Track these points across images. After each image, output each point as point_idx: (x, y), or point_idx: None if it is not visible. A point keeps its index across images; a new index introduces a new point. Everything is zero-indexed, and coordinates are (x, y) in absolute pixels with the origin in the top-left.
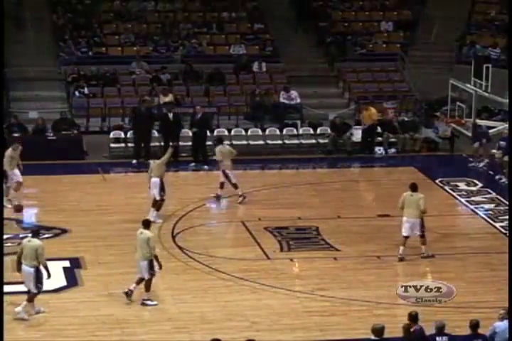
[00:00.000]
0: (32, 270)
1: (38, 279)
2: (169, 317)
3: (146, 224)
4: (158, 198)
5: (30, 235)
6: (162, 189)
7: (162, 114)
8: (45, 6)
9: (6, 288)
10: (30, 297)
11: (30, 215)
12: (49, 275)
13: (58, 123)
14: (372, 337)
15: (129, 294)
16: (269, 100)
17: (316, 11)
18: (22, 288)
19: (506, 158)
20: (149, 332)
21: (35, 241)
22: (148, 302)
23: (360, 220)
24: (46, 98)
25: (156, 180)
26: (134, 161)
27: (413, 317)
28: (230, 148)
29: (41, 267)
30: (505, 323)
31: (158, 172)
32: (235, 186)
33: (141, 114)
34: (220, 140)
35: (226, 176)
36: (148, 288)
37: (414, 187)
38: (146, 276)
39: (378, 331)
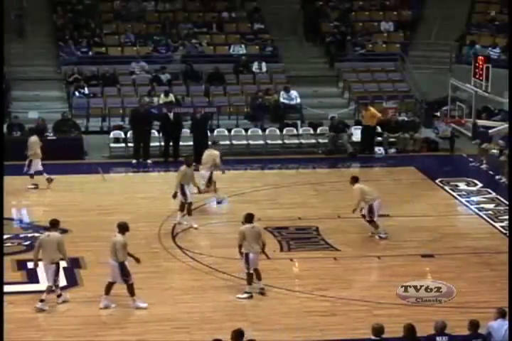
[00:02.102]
0: (116, 264)
1: (124, 271)
2: (169, 317)
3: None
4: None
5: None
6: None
7: (162, 114)
8: (45, 5)
9: (6, 288)
10: (129, 289)
11: (30, 215)
12: (128, 275)
13: (60, 123)
14: (372, 337)
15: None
16: (269, 100)
17: (317, 11)
18: (22, 288)
19: (503, 158)
20: (149, 332)
21: (118, 237)
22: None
23: (360, 220)
24: (46, 98)
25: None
26: (134, 161)
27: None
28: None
29: (126, 262)
30: (498, 323)
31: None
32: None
33: (140, 114)
34: (214, 143)
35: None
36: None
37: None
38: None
39: (378, 331)
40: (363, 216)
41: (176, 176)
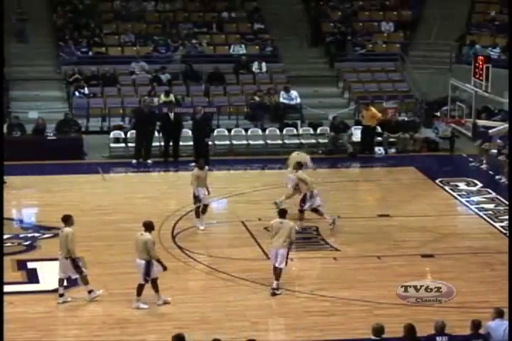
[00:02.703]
0: (143, 262)
1: (147, 272)
2: (169, 317)
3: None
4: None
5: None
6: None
7: (163, 114)
8: (45, 5)
9: (6, 288)
10: (154, 288)
11: (30, 215)
12: (164, 268)
13: (62, 124)
14: (372, 337)
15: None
16: (270, 100)
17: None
18: (22, 288)
19: (501, 158)
20: (149, 332)
21: (146, 236)
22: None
23: (360, 220)
24: (46, 98)
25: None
26: (134, 161)
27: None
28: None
29: (153, 261)
30: (496, 323)
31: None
32: (319, 214)
33: (144, 115)
34: (300, 165)
35: (303, 200)
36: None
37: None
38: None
39: (378, 331)
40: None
41: (191, 180)
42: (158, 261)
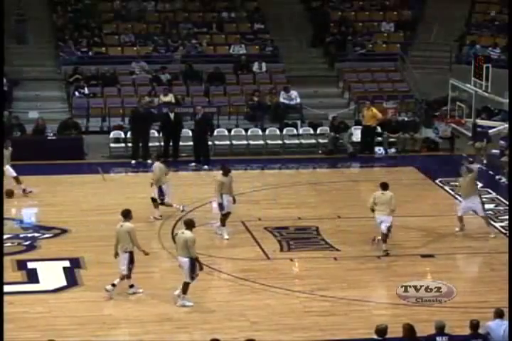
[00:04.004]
0: (186, 260)
1: (193, 269)
2: (169, 317)
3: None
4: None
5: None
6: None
7: (163, 114)
8: (45, 5)
9: (6, 288)
10: (184, 287)
11: (30, 215)
12: (201, 268)
13: (62, 127)
14: (375, 336)
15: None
16: (271, 99)
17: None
18: (22, 288)
19: (504, 159)
20: (149, 332)
21: (187, 234)
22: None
23: (360, 220)
24: (46, 98)
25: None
26: (133, 161)
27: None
28: (164, 166)
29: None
30: (495, 323)
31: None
32: (163, 203)
33: (140, 114)
34: (158, 156)
35: (160, 192)
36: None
37: (384, 186)
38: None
39: (381, 331)
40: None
41: (214, 187)
42: (197, 260)
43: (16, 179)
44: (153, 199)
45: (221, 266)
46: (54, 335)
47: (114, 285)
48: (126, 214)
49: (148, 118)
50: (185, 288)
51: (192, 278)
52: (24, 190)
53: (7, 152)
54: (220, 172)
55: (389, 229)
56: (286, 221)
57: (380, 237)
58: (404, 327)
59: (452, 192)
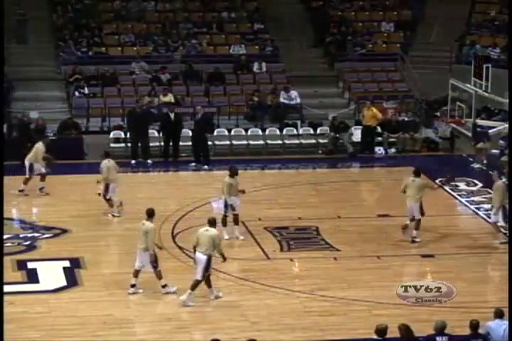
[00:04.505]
0: (205, 258)
1: (207, 267)
2: (169, 317)
3: (213, 222)
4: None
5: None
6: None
7: (163, 114)
8: (45, 5)
9: (6, 288)
10: (194, 285)
11: (30, 215)
12: (224, 259)
13: (63, 126)
14: (375, 336)
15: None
16: (272, 99)
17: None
18: (22, 288)
19: (504, 158)
20: (149, 332)
21: (212, 231)
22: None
23: (360, 220)
24: (46, 98)
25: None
26: (133, 161)
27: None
28: (114, 163)
29: (216, 254)
30: (495, 323)
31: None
32: (110, 203)
33: (137, 114)
34: (106, 154)
35: (106, 189)
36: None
37: (416, 173)
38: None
39: (381, 331)
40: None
41: (222, 188)
42: (222, 254)
43: (42, 176)
44: (106, 198)
45: (221, 266)
46: (54, 335)
47: (163, 286)
48: (151, 214)
49: (146, 118)
50: (195, 285)
51: (203, 277)
52: (42, 189)
53: (41, 147)
54: (228, 173)
55: (422, 214)
56: (286, 221)
57: (408, 222)
58: (400, 328)
59: (452, 192)
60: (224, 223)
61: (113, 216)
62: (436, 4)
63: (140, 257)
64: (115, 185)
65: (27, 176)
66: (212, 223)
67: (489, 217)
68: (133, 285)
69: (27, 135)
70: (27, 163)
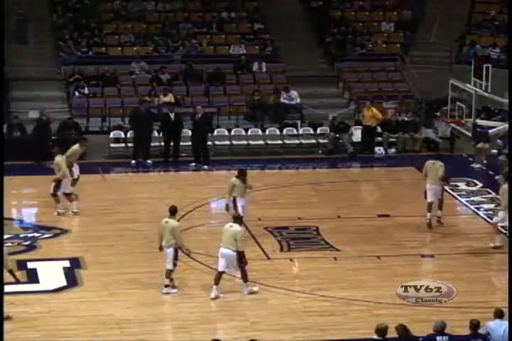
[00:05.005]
0: (234, 254)
1: (241, 260)
2: (169, 317)
3: (237, 218)
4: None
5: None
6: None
7: (163, 114)
8: (45, 5)
9: (6, 288)
10: (244, 276)
11: (30, 215)
12: (246, 262)
13: (63, 126)
14: (375, 336)
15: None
16: (274, 99)
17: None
18: (22, 288)
19: (502, 158)
20: (149, 332)
21: (236, 227)
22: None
23: (360, 220)
24: (46, 98)
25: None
26: (133, 161)
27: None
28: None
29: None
30: (495, 323)
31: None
32: (56, 200)
33: (141, 114)
34: (60, 150)
35: (58, 186)
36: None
37: (436, 156)
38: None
39: (382, 331)
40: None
41: (227, 190)
42: (242, 254)
43: (75, 181)
44: (66, 194)
45: None
46: (54, 335)
47: (166, 285)
48: (174, 211)
49: (150, 117)
50: (245, 275)
51: (241, 268)
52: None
53: (80, 149)
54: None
55: (442, 195)
56: (286, 221)
57: (429, 217)
58: (397, 328)
59: (452, 192)
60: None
61: (74, 213)
62: (436, 4)
63: (167, 255)
64: (68, 180)
65: (75, 176)
66: (236, 219)
67: (490, 218)
68: (167, 285)
69: (47, 134)
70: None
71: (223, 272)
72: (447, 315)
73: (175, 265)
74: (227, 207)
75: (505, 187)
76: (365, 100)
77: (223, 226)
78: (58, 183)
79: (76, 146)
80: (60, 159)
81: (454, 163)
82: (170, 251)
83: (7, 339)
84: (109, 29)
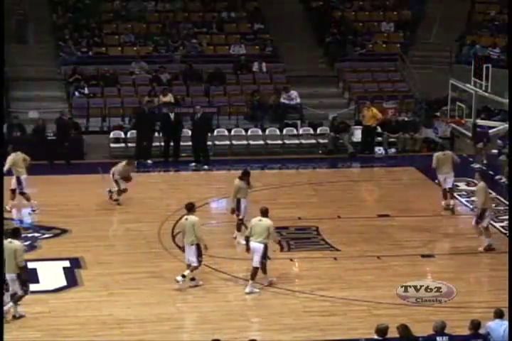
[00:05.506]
0: (261, 246)
1: (265, 255)
2: (169, 317)
3: (265, 211)
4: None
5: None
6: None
7: (163, 114)
8: (45, 5)
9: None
10: (263, 269)
11: (30, 215)
12: (281, 247)
13: (62, 127)
14: (376, 336)
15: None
16: (274, 99)
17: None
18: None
19: (502, 158)
20: (149, 332)
21: (267, 221)
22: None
23: (360, 220)
24: (46, 98)
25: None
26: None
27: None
28: (23, 155)
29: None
30: (495, 323)
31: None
32: (24, 196)
33: (144, 114)
34: (13, 148)
35: (19, 183)
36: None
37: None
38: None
39: (382, 331)
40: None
41: (233, 192)
42: (279, 242)
43: (121, 191)
44: (12, 191)
45: (221, 266)
46: (54, 335)
47: (184, 275)
48: (191, 208)
49: (152, 118)
50: (255, 274)
51: (262, 264)
52: (114, 198)
53: (127, 169)
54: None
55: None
56: (286, 221)
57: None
58: (398, 328)
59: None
60: (239, 228)
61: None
62: (436, 4)
63: (188, 251)
64: (25, 176)
65: (122, 188)
66: (264, 213)
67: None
68: (192, 279)
69: (66, 135)
70: (111, 176)
71: (258, 267)
72: (447, 315)
73: (200, 262)
74: (232, 211)
75: (480, 185)
76: (365, 100)
77: (221, 226)
78: (19, 181)
79: (125, 163)
80: (13, 155)
81: (454, 162)
82: (193, 248)
83: (7, 339)
84: (109, 29)
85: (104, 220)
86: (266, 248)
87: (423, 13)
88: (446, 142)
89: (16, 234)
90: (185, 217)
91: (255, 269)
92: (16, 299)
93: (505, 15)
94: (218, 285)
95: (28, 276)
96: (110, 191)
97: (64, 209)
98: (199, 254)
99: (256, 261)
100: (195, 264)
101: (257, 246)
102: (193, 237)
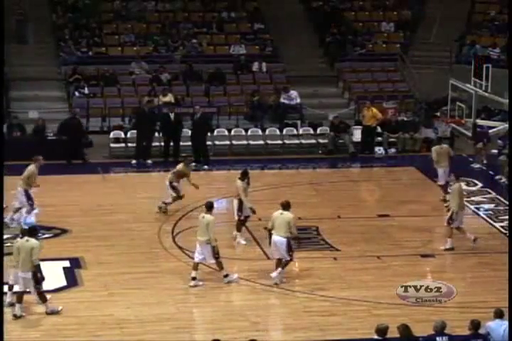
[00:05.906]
0: (284, 240)
1: (290, 248)
2: (169, 317)
3: (286, 205)
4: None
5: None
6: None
7: (163, 114)
8: (45, 5)
9: (6, 288)
10: (284, 264)
11: (30, 215)
12: (299, 240)
13: (77, 126)
14: (375, 336)
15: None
16: (275, 99)
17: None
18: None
19: (502, 158)
20: (149, 332)
21: (288, 214)
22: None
23: (360, 220)
24: (46, 98)
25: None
26: (134, 161)
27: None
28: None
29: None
30: (495, 323)
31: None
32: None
33: (145, 114)
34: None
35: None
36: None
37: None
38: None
39: (382, 331)
40: None
41: (240, 194)
42: (297, 238)
43: (179, 197)
44: None
45: None
46: (54, 335)
47: (225, 275)
48: (210, 206)
49: (152, 117)
50: (286, 265)
51: (291, 256)
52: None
53: (185, 169)
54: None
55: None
56: None
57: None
58: (399, 328)
59: None
60: (239, 228)
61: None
62: (436, 4)
63: (201, 250)
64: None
65: (180, 195)
66: (285, 206)
67: (490, 218)
68: (194, 278)
69: (80, 134)
70: (167, 183)
71: (280, 259)
72: (447, 315)
73: (217, 258)
74: (253, 211)
75: (455, 186)
76: (365, 100)
77: (222, 226)
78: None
79: (181, 167)
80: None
81: (454, 163)
82: (208, 247)
83: (7, 339)
84: (109, 29)
85: (104, 220)
86: (289, 242)
87: (423, 13)
88: (445, 142)
89: (32, 232)
90: (202, 215)
91: (279, 260)
92: (41, 300)
93: (505, 15)
94: (218, 285)
95: (43, 275)
96: (165, 203)
97: (64, 209)
98: (216, 252)
99: (280, 254)
100: (212, 261)
101: (279, 239)
102: (207, 236)
